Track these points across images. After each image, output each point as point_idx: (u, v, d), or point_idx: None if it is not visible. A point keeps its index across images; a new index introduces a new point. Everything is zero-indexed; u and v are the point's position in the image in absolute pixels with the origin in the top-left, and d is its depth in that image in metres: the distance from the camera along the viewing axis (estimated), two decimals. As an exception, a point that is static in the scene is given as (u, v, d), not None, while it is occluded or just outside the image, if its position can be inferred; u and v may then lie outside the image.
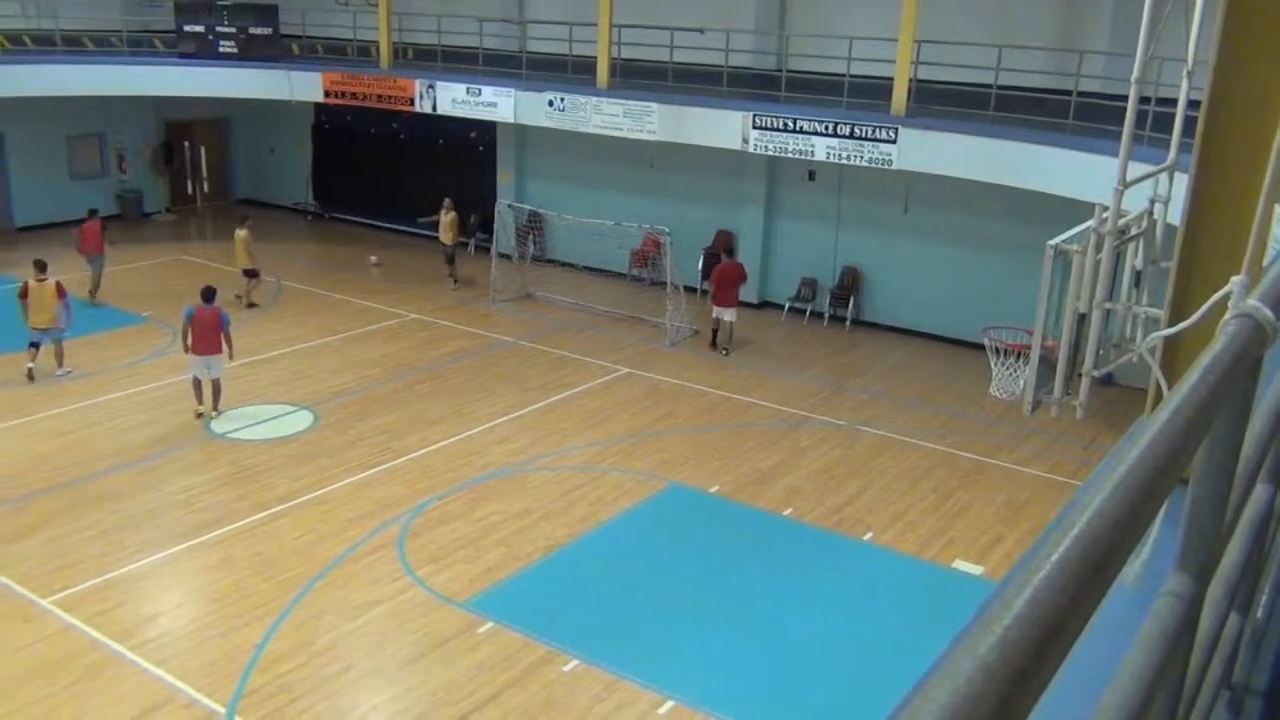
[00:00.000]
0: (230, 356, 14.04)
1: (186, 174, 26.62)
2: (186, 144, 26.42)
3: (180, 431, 13.44)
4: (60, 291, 14.98)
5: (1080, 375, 7.19)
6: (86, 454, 12.67)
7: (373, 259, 22.34)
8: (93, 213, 19.44)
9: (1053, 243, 7.21)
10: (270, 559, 10.42)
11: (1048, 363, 7.40)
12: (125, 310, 18.22)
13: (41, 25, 22.43)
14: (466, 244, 20.96)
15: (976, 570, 10.76)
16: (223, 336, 13.75)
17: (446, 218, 20.43)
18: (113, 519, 11.13)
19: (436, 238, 20.66)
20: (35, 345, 14.88)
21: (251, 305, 18.68)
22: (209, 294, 13.99)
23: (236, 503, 11.58)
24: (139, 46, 23.18)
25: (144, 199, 25.52)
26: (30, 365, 14.88)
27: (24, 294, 14.87)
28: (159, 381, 15.03)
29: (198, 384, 13.91)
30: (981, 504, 12.27)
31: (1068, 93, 14.95)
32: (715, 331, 17.64)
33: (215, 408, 13.90)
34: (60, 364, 15.08)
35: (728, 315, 17.38)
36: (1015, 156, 14.84)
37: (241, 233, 18.66)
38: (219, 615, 9.48)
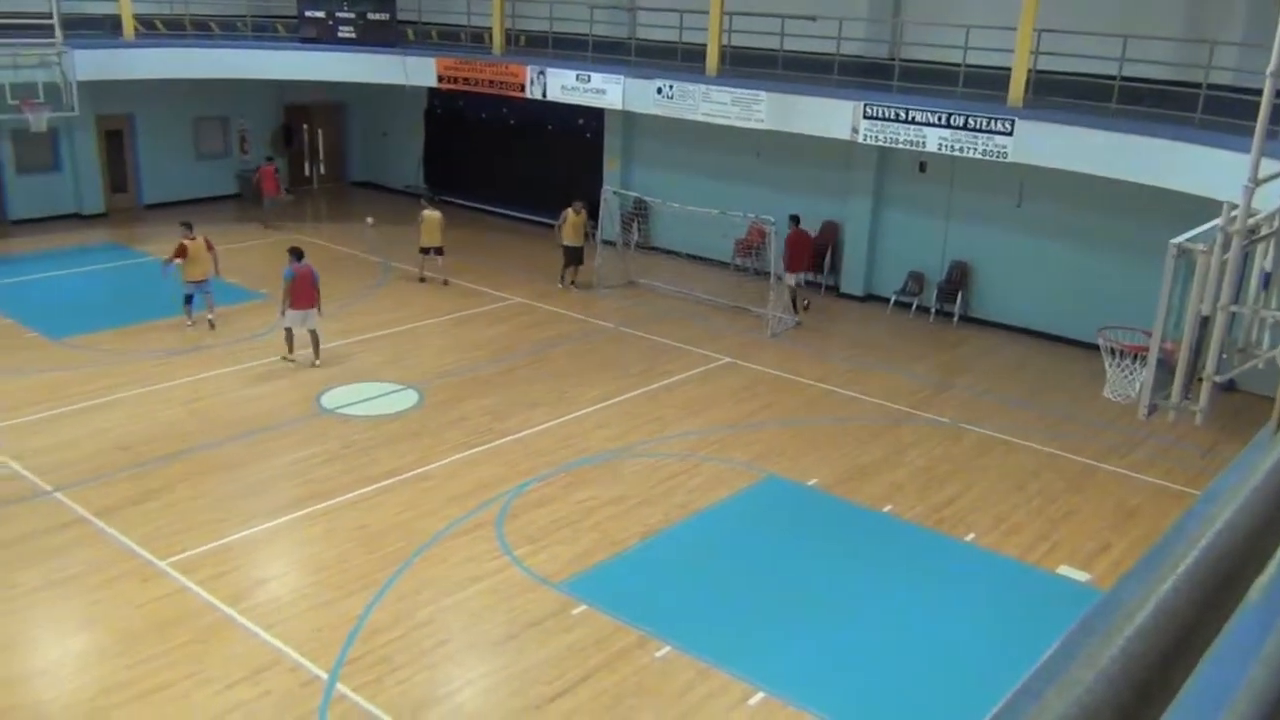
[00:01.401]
0: (320, 311, 15.33)
1: (304, 156, 27.45)
2: (305, 126, 27.24)
3: (293, 405, 13.90)
4: (210, 245, 16.51)
5: (1201, 380, 6.92)
6: (207, 423, 13.20)
7: (369, 220, 23.51)
8: (269, 159, 24.05)
9: (1176, 241, 6.95)
10: (374, 532, 10.71)
11: (1166, 366, 7.14)
12: (245, 287, 18.87)
13: (173, 10, 23.33)
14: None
15: (1083, 577, 10.45)
16: (317, 291, 15.13)
17: (579, 218, 19.70)
18: (228, 487, 11.57)
19: (547, 223, 20.68)
20: (189, 299, 16.42)
21: (446, 282, 19.61)
22: (299, 253, 15.23)
23: (343, 476, 11.92)
24: (262, 31, 23.96)
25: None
26: (189, 323, 16.52)
27: (181, 252, 16.24)
28: (273, 356, 15.54)
29: (290, 334, 15.21)
30: (1090, 509, 11.91)
31: (1197, 85, 14.35)
32: (794, 300, 18.41)
33: (317, 357, 15.28)
34: (210, 310, 16.60)
35: (795, 280, 18.22)
36: (1139, 151, 14.30)
37: (436, 213, 19.50)
38: (324, 584, 9.78)
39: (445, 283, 19.64)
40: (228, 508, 11.11)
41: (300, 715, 7.97)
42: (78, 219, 23.28)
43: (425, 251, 19.63)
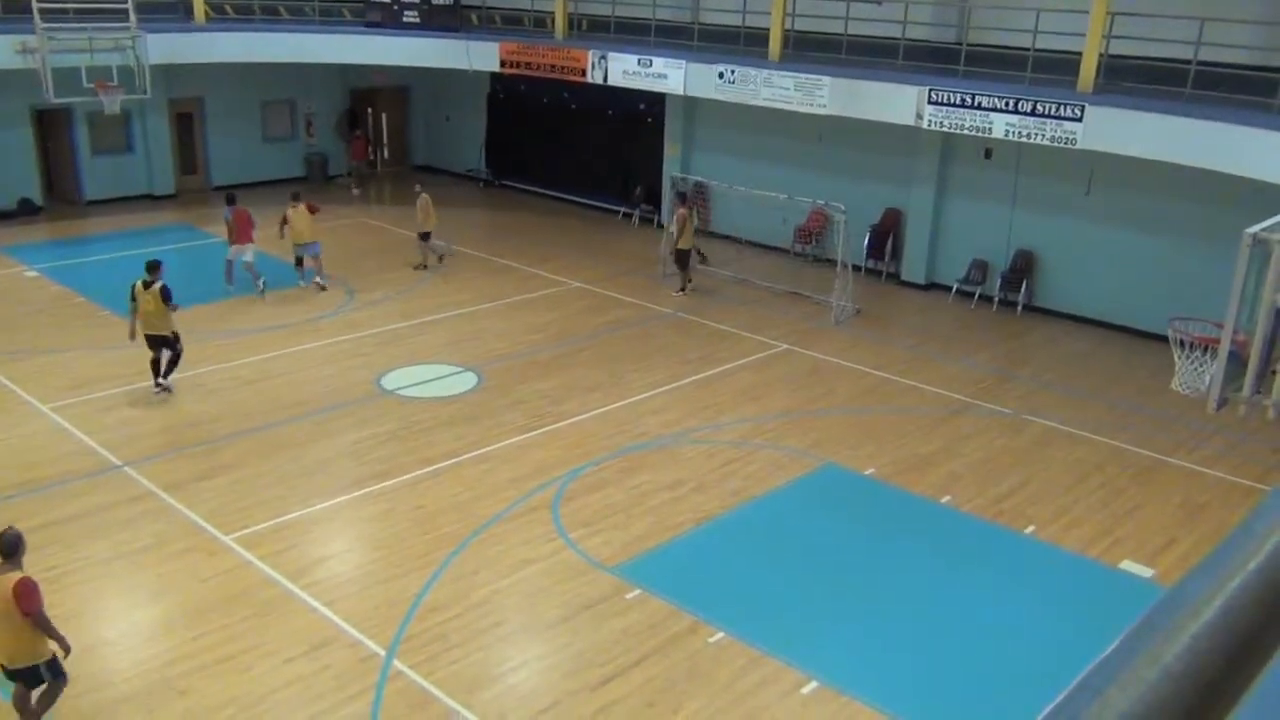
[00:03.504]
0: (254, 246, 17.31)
1: (368, 139, 27.77)
2: (369, 110, 27.54)
3: (355, 386, 14.09)
4: (312, 210, 17.82)
5: (1274, 373, 6.74)
6: (270, 403, 13.44)
7: (355, 191, 25.61)
8: (359, 133, 26.57)
9: (1251, 231, 6.77)
10: (431, 513, 10.84)
11: (1238, 358, 6.97)
12: (308, 269, 19.13)
13: (243, -5, 23.73)
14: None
15: (1146, 573, 10.25)
16: (253, 228, 17.21)
17: (684, 215, 18.42)
18: (290, 465, 11.78)
19: (607, 208, 20.63)
20: (300, 261, 17.87)
21: (422, 267, 19.55)
22: (232, 198, 17.44)
23: (402, 457, 12.07)
24: (329, 16, 24.24)
25: (329, 163, 26.77)
26: (305, 283, 17.96)
27: (285, 220, 17.62)
28: (337, 338, 15.79)
29: (231, 266, 17.28)
30: (1155, 503, 11.67)
31: (1277, 70, 13.91)
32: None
33: (261, 288, 17.24)
34: (320, 274, 18.02)
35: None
36: (1214, 138, 13.92)
37: (426, 195, 19.67)
38: (382, 563, 9.93)
39: (422, 267, 19.58)
40: (290, 485, 11.32)
41: (359, 690, 8.11)
42: (149, 200, 23.82)
43: (426, 237, 19.44)
